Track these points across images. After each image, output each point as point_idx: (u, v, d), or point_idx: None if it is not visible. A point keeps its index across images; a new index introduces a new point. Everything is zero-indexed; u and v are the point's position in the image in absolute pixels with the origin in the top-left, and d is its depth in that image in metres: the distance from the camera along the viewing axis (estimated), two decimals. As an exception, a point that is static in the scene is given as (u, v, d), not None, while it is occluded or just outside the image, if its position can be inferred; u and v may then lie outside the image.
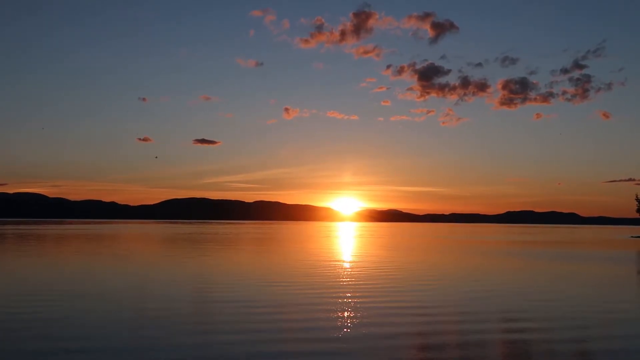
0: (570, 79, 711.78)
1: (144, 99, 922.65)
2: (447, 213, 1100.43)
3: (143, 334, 17.80)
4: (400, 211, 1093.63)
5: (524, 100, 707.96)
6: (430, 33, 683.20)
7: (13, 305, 22.82)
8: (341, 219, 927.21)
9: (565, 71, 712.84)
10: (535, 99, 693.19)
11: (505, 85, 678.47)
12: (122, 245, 73.18)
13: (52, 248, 63.23)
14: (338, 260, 49.05)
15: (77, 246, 68.50)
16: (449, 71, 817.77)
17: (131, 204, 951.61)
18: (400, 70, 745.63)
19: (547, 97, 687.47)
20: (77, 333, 17.75)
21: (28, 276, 33.62)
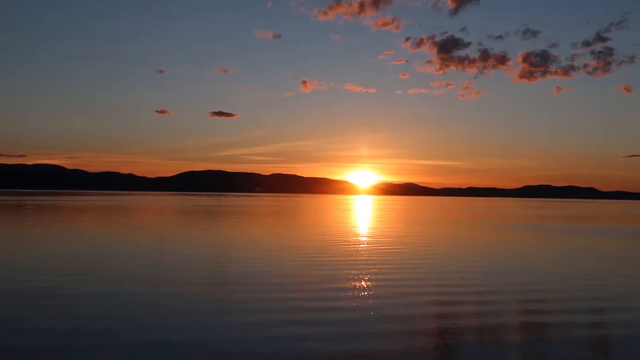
0: (592, 52, 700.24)
1: (161, 71, 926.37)
2: (464, 187, 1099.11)
3: (159, 303, 17.65)
4: (417, 185, 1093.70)
5: (544, 73, 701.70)
6: (450, 5, 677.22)
7: (30, 276, 22.71)
8: (357, 192, 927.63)
9: (587, 44, 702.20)
10: (555, 72, 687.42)
11: (526, 58, 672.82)
12: (139, 217, 73.39)
13: (70, 219, 63.50)
14: (356, 234, 48.75)
15: (94, 218, 68.80)
16: (468, 44, 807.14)
17: (148, 176, 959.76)
18: (419, 43, 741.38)
19: (568, 70, 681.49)
20: (92, 304, 17.56)
21: (45, 247, 33.63)
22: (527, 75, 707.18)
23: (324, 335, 14.12)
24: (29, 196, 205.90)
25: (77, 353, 12.32)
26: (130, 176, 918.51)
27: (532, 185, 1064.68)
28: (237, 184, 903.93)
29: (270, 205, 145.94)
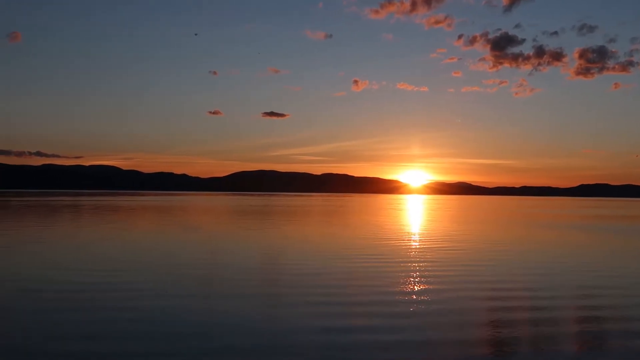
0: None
1: (214, 73, 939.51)
2: (518, 186, 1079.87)
3: (212, 304, 17.50)
4: (470, 184, 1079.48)
5: (602, 69, 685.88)
6: (504, 1, 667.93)
7: (87, 276, 22.67)
8: (409, 192, 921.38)
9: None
10: (613, 68, 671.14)
11: (582, 54, 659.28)
12: (193, 217, 73.86)
13: (126, 220, 64.34)
14: (410, 235, 47.85)
15: (150, 218, 69.64)
16: (523, 40, 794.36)
17: (201, 176, 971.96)
18: (472, 40, 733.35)
19: (627, 66, 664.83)
20: (147, 301, 17.60)
21: (102, 247, 33.83)
22: (584, 71, 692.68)
23: (377, 340, 13.44)
24: (86, 197, 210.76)
25: (131, 350, 12.28)
26: (184, 176, 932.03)
27: (589, 184, 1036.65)
28: (289, 184, 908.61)
29: (322, 205, 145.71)
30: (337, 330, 14.27)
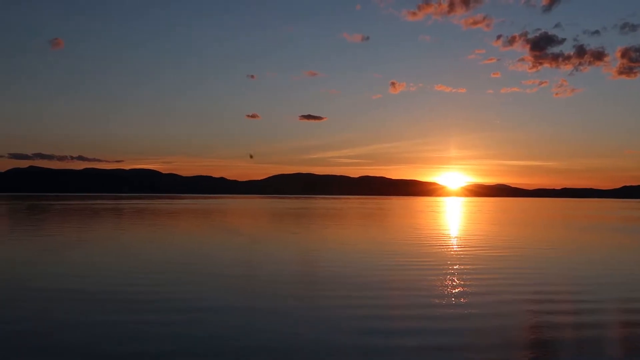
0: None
1: (252, 76, 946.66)
2: (559, 187, 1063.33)
3: (251, 305, 17.60)
4: (509, 186, 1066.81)
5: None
6: (544, 1, 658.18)
7: (126, 279, 22.89)
8: (447, 194, 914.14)
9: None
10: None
11: (625, 54, 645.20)
12: (233, 220, 74.24)
13: (167, 222, 64.93)
14: (448, 237, 47.27)
15: (190, 221, 70.15)
16: (563, 40, 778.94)
17: (239, 179, 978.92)
18: (511, 41, 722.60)
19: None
20: (186, 303, 17.79)
21: (142, 250, 34.14)
22: (626, 71, 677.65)
23: (416, 346, 13.24)
24: (127, 200, 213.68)
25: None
26: (222, 180, 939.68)
27: (632, 186, 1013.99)
28: (326, 186, 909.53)
29: (360, 208, 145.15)
30: (376, 345, 13.96)
